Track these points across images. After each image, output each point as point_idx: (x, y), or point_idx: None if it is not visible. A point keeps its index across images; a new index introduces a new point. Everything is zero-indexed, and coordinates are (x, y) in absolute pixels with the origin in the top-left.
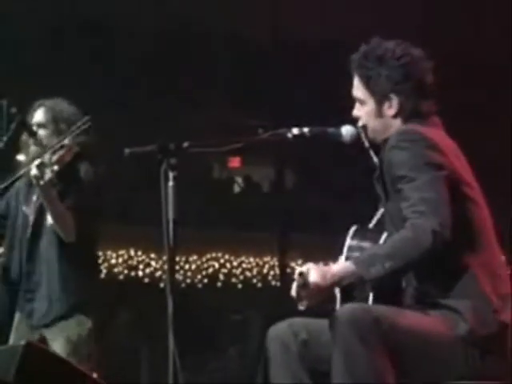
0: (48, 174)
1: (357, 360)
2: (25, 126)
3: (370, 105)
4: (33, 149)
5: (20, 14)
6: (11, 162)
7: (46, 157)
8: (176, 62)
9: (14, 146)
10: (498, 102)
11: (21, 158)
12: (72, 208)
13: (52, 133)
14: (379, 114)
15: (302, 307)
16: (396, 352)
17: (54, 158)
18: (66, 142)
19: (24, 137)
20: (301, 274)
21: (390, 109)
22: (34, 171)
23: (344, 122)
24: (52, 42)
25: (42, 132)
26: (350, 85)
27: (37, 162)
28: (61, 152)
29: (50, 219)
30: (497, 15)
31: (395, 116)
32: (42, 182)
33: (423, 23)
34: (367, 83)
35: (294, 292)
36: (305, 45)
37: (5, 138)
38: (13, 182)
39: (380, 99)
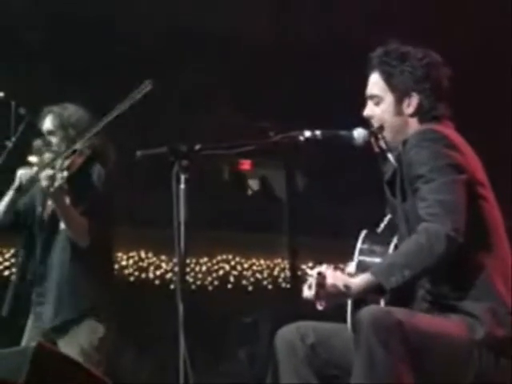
0: (58, 181)
1: (378, 363)
2: (33, 127)
3: (388, 102)
4: (47, 156)
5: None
6: (20, 163)
7: (58, 163)
8: (177, 64)
9: (22, 147)
10: None
11: (33, 159)
12: (86, 213)
13: (61, 139)
14: (397, 111)
15: (320, 307)
16: (416, 354)
17: (66, 163)
18: (78, 146)
19: (37, 142)
20: (319, 273)
21: (409, 107)
22: (43, 182)
23: (354, 125)
24: (52, 43)
25: (52, 139)
26: (356, 85)
27: (50, 172)
28: (73, 157)
29: (63, 224)
30: None
31: (412, 115)
32: (52, 190)
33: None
34: (389, 80)
35: (309, 291)
36: (308, 45)
37: (13, 139)
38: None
39: (400, 96)
